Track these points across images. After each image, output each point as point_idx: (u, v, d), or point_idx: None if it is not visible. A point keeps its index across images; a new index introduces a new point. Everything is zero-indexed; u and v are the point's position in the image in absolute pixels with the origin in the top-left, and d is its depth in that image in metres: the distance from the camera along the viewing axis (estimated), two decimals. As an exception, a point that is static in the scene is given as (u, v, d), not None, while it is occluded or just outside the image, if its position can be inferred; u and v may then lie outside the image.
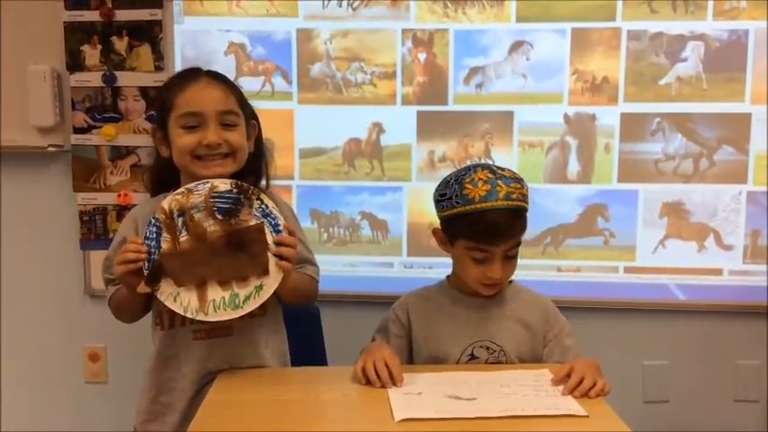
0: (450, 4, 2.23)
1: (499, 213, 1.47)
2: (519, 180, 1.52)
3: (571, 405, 1.29)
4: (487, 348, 1.54)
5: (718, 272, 2.28)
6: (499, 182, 1.48)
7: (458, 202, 1.50)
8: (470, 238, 1.50)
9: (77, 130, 2.31)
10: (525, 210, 1.53)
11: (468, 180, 1.49)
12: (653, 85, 2.22)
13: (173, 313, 1.44)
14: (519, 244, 1.53)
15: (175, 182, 1.53)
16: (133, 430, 1.59)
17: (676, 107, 2.23)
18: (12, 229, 2.41)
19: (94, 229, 2.34)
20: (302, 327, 1.79)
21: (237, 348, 1.51)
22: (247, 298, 1.42)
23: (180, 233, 1.41)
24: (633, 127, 2.24)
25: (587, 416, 1.25)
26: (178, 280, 1.40)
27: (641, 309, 2.31)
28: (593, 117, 2.24)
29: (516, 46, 2.24)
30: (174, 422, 1.50)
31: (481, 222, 1.47)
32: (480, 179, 1.49)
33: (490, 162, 2.12)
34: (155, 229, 1.40)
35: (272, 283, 1.42)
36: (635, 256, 2.28)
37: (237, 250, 1.41)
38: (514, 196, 1.49)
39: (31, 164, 2.36)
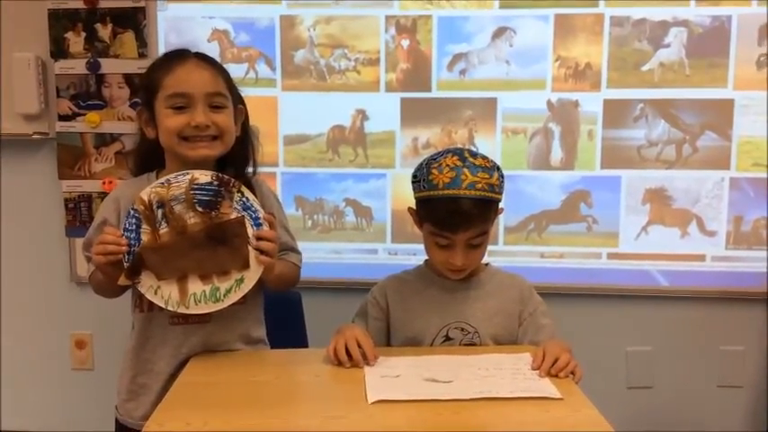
0: (433, -9, 2.23)
1: (461, 202, 1.45)
2: (489, 170, 1.48)
3: (546, 388, 1.29)
4: (462, 330, 1.54)
5: (701, 258, 2.29)
6: (465, 170, 1.45)
7: (424, 186, 1.49)
8: (433, 224, 1.50)
9: (62, 118, 2.31)
10: (492, 200, 1.49)
11: (435, 165, 1.48)
12: (636, 72, 2.22)
13: None
14: (485, 233, 1.50)
15: (160, 164, 1.53)
16: (115, 408, 1.60)
17: (659, 93, 2.23)
18: (-3, 216, 2.42)
19: (80, 216, 2.34)
20: (283, 313, 1.78)
21: (213, 335, 1.51)
22: (228, 291, 1.42)
23: (160, 225, 1.39)
24: (616, 113, 2.24)
25: (561, 398, 1.25)
26: (159, 273, 1.39)
27: (624, 295, 2.32)
28: (576, 103, 2.25)
29: (499, 32, 2.24)
30: (151, 402, 1.50)
31: (442, 209, 1.46)
32: (447, 165, 1.47)
33: (472, 148, 2.11)
34: (134, 221, 1.39)
35: (252, 277, 1.43)
36: (618, 243, 2.29)
37: (218, 244, 1.41)
38: (479, 186, 1.45)
39: (16, 151, 2.36)
